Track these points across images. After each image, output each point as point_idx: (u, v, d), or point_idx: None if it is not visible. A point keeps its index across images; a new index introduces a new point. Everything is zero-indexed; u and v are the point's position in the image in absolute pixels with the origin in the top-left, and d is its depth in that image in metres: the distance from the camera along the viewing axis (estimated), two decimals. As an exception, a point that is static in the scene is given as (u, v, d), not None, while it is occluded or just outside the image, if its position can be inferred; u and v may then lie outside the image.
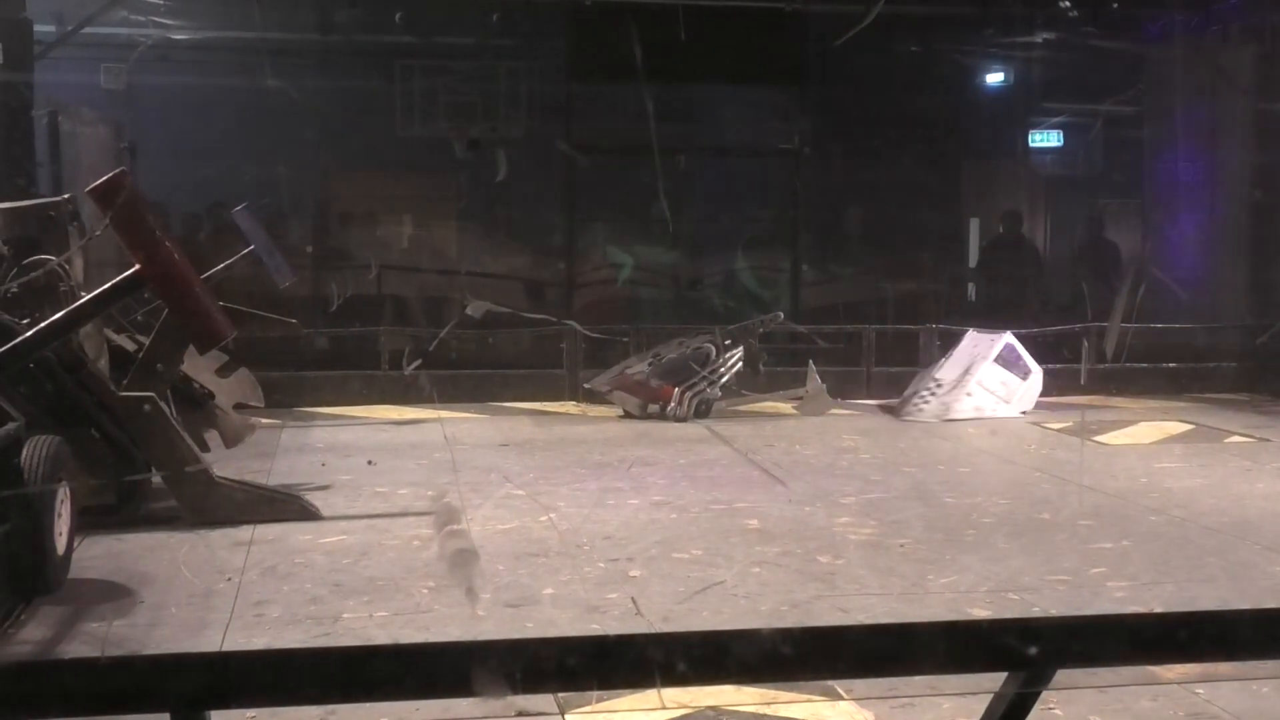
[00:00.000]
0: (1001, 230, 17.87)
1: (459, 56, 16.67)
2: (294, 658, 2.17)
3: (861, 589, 7.14)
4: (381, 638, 6.22)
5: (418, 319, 16.19)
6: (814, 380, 13.28)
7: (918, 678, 4.07)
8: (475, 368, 14.77)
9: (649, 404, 13.25)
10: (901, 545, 8.09)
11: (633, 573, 7.44)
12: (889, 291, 17.58)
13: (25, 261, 8.46)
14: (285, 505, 8.76)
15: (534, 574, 7.39)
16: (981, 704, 2.29)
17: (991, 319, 16.25)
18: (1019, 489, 9.92)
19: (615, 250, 17.13)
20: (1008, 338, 13.84)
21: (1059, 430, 12.74)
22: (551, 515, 8.83)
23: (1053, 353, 15.54)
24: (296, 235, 16.23)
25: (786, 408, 13.70)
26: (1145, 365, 15.26)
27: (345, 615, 6.63)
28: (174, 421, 8.60)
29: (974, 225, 18.70)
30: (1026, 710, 2.20)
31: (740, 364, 13.16)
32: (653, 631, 5.95)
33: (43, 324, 7.99)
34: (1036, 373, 13.83)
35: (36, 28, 13.39)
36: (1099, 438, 12.25)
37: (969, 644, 2.26)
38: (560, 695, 5.17)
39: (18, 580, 6.71)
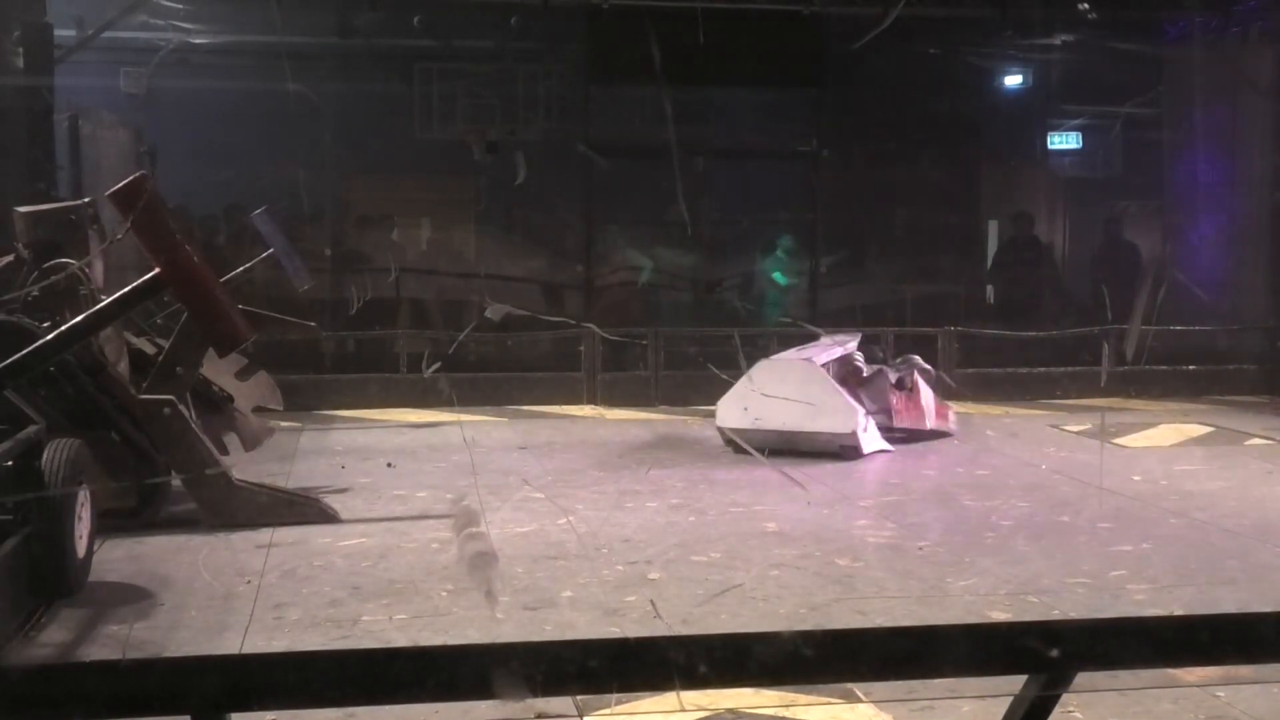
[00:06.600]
0: (1014, 232, 17.83)
1: (478, 60, 16.68)
2: (314, 660, 2.17)
3: (880, 592, 7.13)
4: (401, 640, 6.22)
5: (436, 322, 16.21)
6: None
7: (937, 680, 4.06)
8: (494, 370, 14.80)
9: None
10: (920, 548, 8.08)
11: (651, 575, 7.44)
12: (907, 294, 17.54)
13: (46, 265, 8.52)
14: (305, 508, 8.78)
15: (553, 576, 7.39)
16: (1001, 706, 2.29)
17: (1007, 321, 16.23)
18: (1038, 491, 9.89)
19: (634, 253, 17.12)
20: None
21: (1078, 433, 12.71)
22: (570, 518, 8.82)
23: (1072, 355, 15.51)
24: (315, 238, 16.25)
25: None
26: (1165, 367, 15.22)
27: (365, 618, 6.64)
28: (193, 424, 8.63)
29: (993, 227, 18.65)
30: (1047, 713, 2.20)
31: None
32: (672, 634, 5.95)
33: (63, 327, 8.03)
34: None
35: (57, 32, 13.45)
36: (1119, 440, 12.21)
37: (989, 646, 2.26)
38: (579, 698, 5.17)
39: (38, 583, 6.73)
